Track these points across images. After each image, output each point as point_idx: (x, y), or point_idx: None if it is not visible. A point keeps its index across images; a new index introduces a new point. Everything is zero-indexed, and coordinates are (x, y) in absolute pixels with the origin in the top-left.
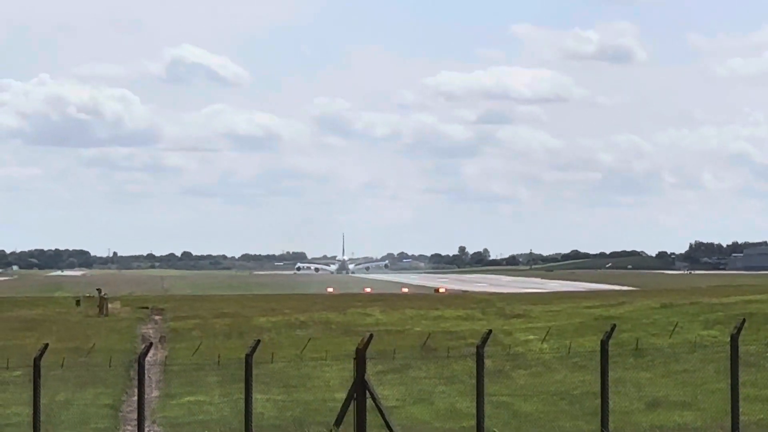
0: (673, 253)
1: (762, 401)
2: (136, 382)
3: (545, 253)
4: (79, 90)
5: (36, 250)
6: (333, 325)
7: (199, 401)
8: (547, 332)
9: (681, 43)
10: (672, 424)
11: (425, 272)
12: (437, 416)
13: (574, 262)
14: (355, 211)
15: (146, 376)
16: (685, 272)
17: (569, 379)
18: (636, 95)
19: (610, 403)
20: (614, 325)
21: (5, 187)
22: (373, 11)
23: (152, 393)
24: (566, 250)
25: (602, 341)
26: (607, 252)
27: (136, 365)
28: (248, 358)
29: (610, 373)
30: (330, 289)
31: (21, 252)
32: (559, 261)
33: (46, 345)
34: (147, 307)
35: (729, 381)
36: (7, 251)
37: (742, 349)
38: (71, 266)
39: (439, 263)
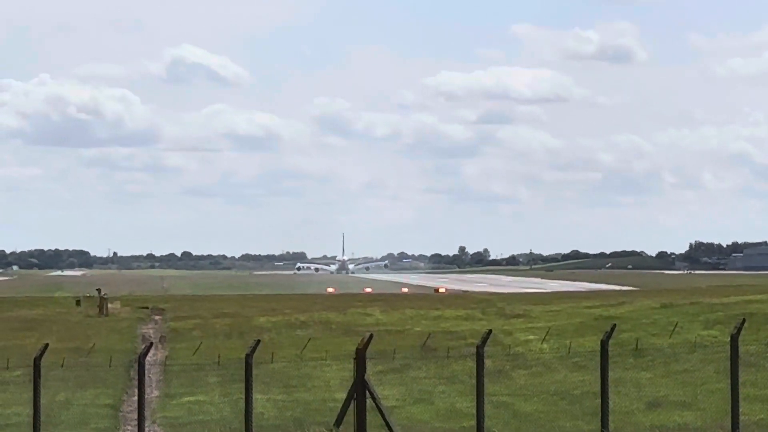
0: (673, 253)
1: (762, 401)
2: (136, 382)
3: (545, 253)
4: (80, 90)
5: (36, 250)
6: (333, 325)
7: (199, 401)
8: (547, 332)
9: (681, 43)
10: (672, 424)
11: (425, 272)
12: (437, 416)
13: (574, 262)
14: (355, 211)
15: (146, 376)
16: (685, 272)
17: (569, 379)
18: (636, 95)
19: (610, 403)
20: (614, 325)
21: (5, 187)
22: (373, 11)
23: (152, 393)
24: (566, 250)
25: (602, 341)
26: (607, 252)
27: (136, 365)
28: (248, 358)
29: (610, 373)
30: (331, 290)
31: (21, 252)
32: (559, 261)
33: (46, 345)
34: (147, 307)
35: (729, 381)
36: (7, 251)
37: (742, 349)
38: (71, 266)
39: (439, 263)
